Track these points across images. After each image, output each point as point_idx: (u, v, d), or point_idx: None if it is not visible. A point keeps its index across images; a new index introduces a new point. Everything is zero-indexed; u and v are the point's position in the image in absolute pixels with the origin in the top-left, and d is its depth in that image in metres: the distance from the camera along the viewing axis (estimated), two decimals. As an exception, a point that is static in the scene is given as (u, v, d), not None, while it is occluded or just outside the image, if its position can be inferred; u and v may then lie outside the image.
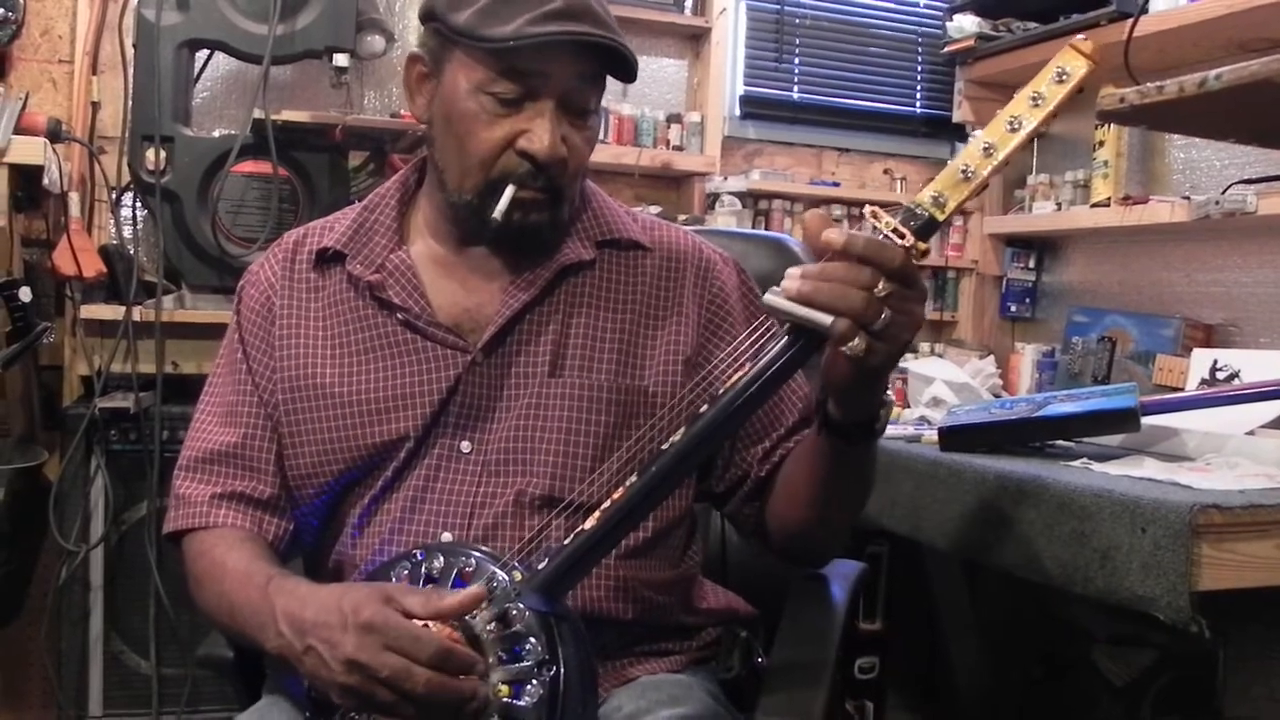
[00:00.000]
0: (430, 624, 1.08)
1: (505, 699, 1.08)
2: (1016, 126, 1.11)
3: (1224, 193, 2.58)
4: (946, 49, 3.43)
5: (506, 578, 1.12)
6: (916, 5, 3.72)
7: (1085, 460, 1.66)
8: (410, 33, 3.01)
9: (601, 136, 3.19)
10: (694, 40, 3.47)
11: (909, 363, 2.82)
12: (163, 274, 2.61)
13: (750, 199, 3.36)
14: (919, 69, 3.73)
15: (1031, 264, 3.50)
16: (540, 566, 1.13)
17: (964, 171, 1.10)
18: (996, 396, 2.71)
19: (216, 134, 2.79)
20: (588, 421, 1.32)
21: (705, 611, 1.42)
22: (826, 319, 1.05)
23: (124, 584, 2.50)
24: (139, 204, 2.78)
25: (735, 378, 1.12)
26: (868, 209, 1.12)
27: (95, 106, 2.80)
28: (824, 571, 1.52)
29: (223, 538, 1.31)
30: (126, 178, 2.70)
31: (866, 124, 3.69)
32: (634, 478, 1.14)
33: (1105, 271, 3.26)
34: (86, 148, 2.70)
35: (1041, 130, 1.12)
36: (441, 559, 1.16)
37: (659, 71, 3.47)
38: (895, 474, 1.87)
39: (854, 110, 3.68)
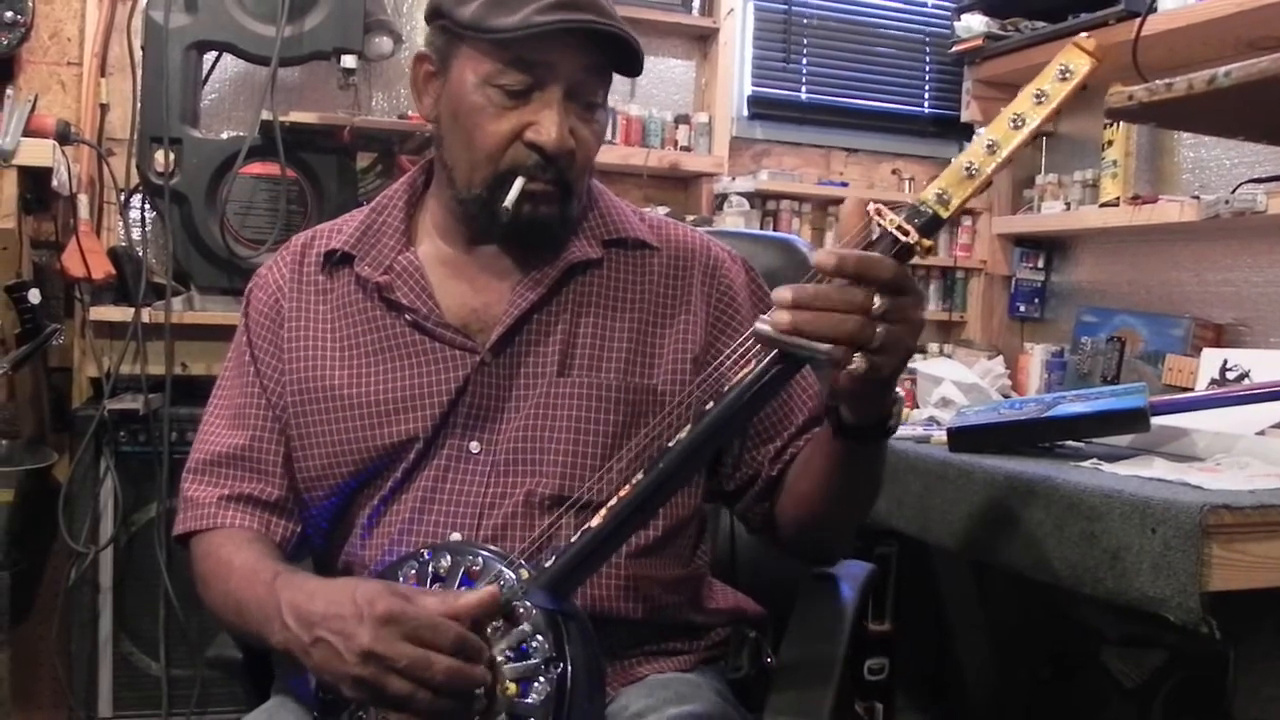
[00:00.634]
0: None
1: (512, 697, 1.08)
2: (1020, 124, 1.11)
3: (1234, 192, 2.58)
4: (954, 49, 3.43)
5: (514, 576, 1.12)
6: (924, 5, 3.72)
7: (1095, 460, 1.66)
8: (418, 34, 3.01)
9: (609, 137, 3.20)
10: (701, 41, 3.47)
11: (917, 363, 2.81)
12: (171, 275, 2.61)
13: (758, 199, 3.36)
14: (927, 69, 3.73)
15: (1040, 264, 3.49)
16: (547, 564, 1.13)
17: (968, 169, 1.10)
18: (1005, 397, 2.70)
19: (225, 136, 2.79)
20: (596, 420, 1.31)
21: (714, 611, 1.42)
22: (823, 348, 1.05)
23: (133, 585, 2.51)
24: (148, 206, 2.79)
25: (741, 375, 1.12)
26: (871, 206, 1.12)
27: (104, 108, 2.81)
28: (833, 572, 1.52)
29: (230, 537, 1.31)
30: (135, 179, 2.71)
31: (874, 124, 3.69)
32: (641, 475, 1.13)
33: (1114, 271, 3.25)
34: (95, 150, 2.71)
35: (1045, 128, 1.12)
36: (448, 558, 1.16)
37: (667, 72, 3.48)
38: (904, 474, 1.86)
39: (862, 110, 3.68)
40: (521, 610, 1.10)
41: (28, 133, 2.36)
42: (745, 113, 3.56)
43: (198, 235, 2.60)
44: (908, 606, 2.79)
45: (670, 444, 1.14)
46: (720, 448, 1.33)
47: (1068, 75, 1.12)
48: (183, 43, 2.59)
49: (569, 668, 1.09)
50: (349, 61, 2.65)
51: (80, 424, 2.49)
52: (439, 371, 1.31)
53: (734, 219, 3.22)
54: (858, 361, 1.05)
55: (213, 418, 1.40)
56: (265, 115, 2.58)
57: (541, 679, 1.08)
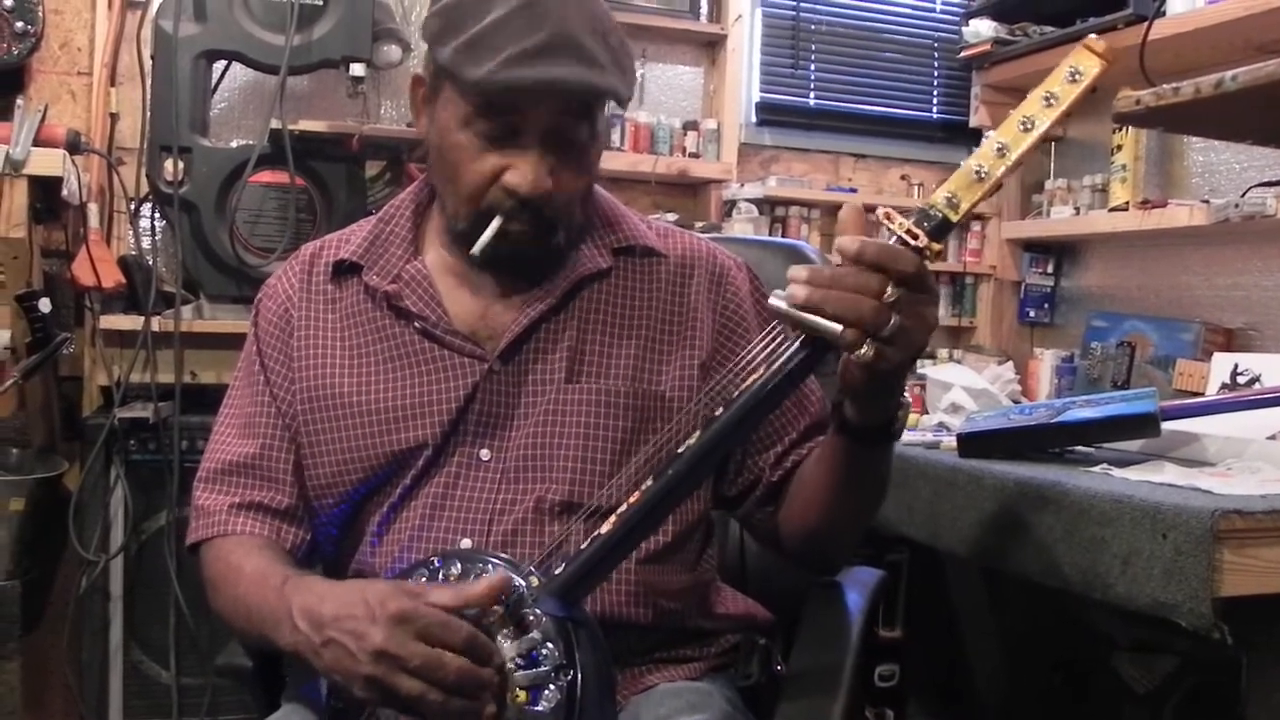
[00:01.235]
0: None
1: (522, 704, 1.08)
2: (1030, 126, 1.10)
3: (1243, 195, 2.57)
4: (963, 54, 3.42)
5: (524, 583, 1.12)
6: (933, 10, 3.72)
7: (1105, 466, 1.65)
8: (426, 42, 3.02)
9: (618, 144, 3.20)
10: (710, 47, 3.47)
11: (927, 369, 2.81)
12: (181, 284, 2.62)
13: (767, 205, 3.35)
14: (935, 74, 3.73)
15: (1050, 269, 3.49)
16: (557, 571, 1.13)
17: (978, 172, 1.10)
18: (1015, 402, 2.70)
19: (234, 144, 2.80)
20: (605, 427, 1.32)
21: (723, 617, 1.42)
22: (835, 328, 1.05)
23: (144, 593, 2.51)
24: (157, 214, 2.79)
25: (749, 381, 1.12)
26: (880, 210, 1.13)
27: (114, 118, 2.82)
28: (843, 579, 1.52)
29: (240, 543, 1.32)
30: (145, 188, 2.72)
31: (883, 130, 3.68)
32: (650, 481, 1.13)
33: (1124, 276, 3.25)
34: (105, 159, 2.72)
35: (1055, 131, 1.11)
36: (458, 565, 1.16)
37: (675, 79, 3.48)
38: (914, 480, 1.86)
39: (870, 116, 3.67)
40: (531, 618, 1.10)
41: (38, 142, 2.37)
42: (754, 119, 3.56)
43: (207, 244, 2.61)
44: (918, 613, 2.78)
45: (679, 450, 1.14)
46: (726, 455, 1.32)
47: (1078, 77, 1.11)
48: (192, 52, 2.59)
49: (579, 675, 1.09)
50: (358, 70, 2.66)
51: (90, 432, 2.50)
52: (448, 379, 1.32)
53: (742, 225, 3.22)
54: (867, 348, 1.05)
55: (223, 427, 1.40)
56: (274, 124, 2.58)
57: (552, 686, 1.08)
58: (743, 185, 3.35)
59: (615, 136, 3.22)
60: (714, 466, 1.29)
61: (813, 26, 3.59)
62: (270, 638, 1.18)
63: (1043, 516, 1.56)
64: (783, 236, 3.31)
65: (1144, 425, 1.69)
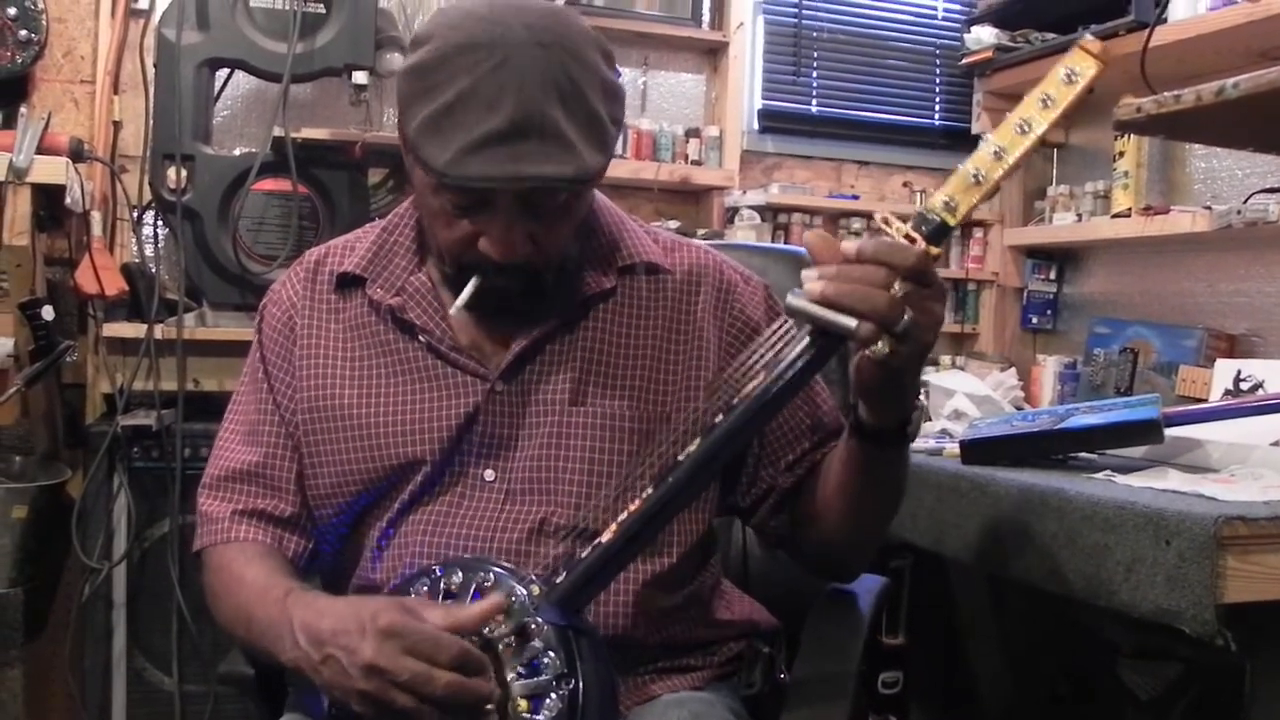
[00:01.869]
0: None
1: (524, 713, 1.08)
2: (1027, 129, 1.10)
3: (1246, 202, 2.57)
4: (965, 60, 3.43)
5: (525, 592, 1.12)
6: (934, 17, 3.72)
7: (1108, 472, 1.65)
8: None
9: (620, 151, 3.20)
10: (712, 54, 3.48)
11: (930, 375, 2.80)
12: (184, 292, 2.62)
13: (769, 213, 3.36)
14: (937, 81, 3.73)
15: (1052, 275, 3.49)
16: (558, 580, 1.13)
17: (975, 175, 1.10)
18: (1018, 409, 2.69)
19: (237, 152, 2.80)
20: (610, 450, 1.31)
21: (726, 624, 1.41)
22: (850, 322, 1.05)
23: (146, 601, 2.51)
24: (160, 222, 2.80)
25: (750, 387, 1.12)
26: (878, 215, 1.13)
27: (117, 126, 2.82)
28: (847, 585, 1.51)
29: (242, 551, 1.32)
30: (148, 196, 2.72)
31: (885, 136, 3.69)
32: (650, 489, 1.13)
33: (1127, 282, 3.25)
34: (108, 167, 2.72)
35: (1053, 134, 1.11)
36: (460, 574, 1.16)
37: (677, 86, 3.48)
38: (917, 487, 1.86)
39: (872, 123, 3.68)
40: (533, 626, 1.10)
41: (41, 150, 2.37)
42: (756, 126, 3.56)
43: (210, 251, 2.61)
44: (922, 620, 2.77)
45: (680, 457, 1.13)
46: (729, 462, 1.31)
47: (1074, 79, 1.11)
48: (195, 60, 2.60)
49: (581, 684, 1.09)
50: (360, 78, 2.66)
51: (93, 440, 2.50)
52: (450, 396, 1.31)
53: (745, 233, 3.22)
54: (882, 343, 1.06)
55: (227, 434, 1.40)
56: (277, 131, 2.59)
57: (553, 695, 1.08)
58: (745, 192, 3.35)
59: (618, 144, 3.21)
60: (715, 474, 1.28)
61: (814, 33, 3.60)
62: (272, 652, 1.18)
63: (1046, 523, 1.55)
64: (785, 244, 3.31)
65: (1147, 432, 1.69)
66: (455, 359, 1.31)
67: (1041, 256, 3.48)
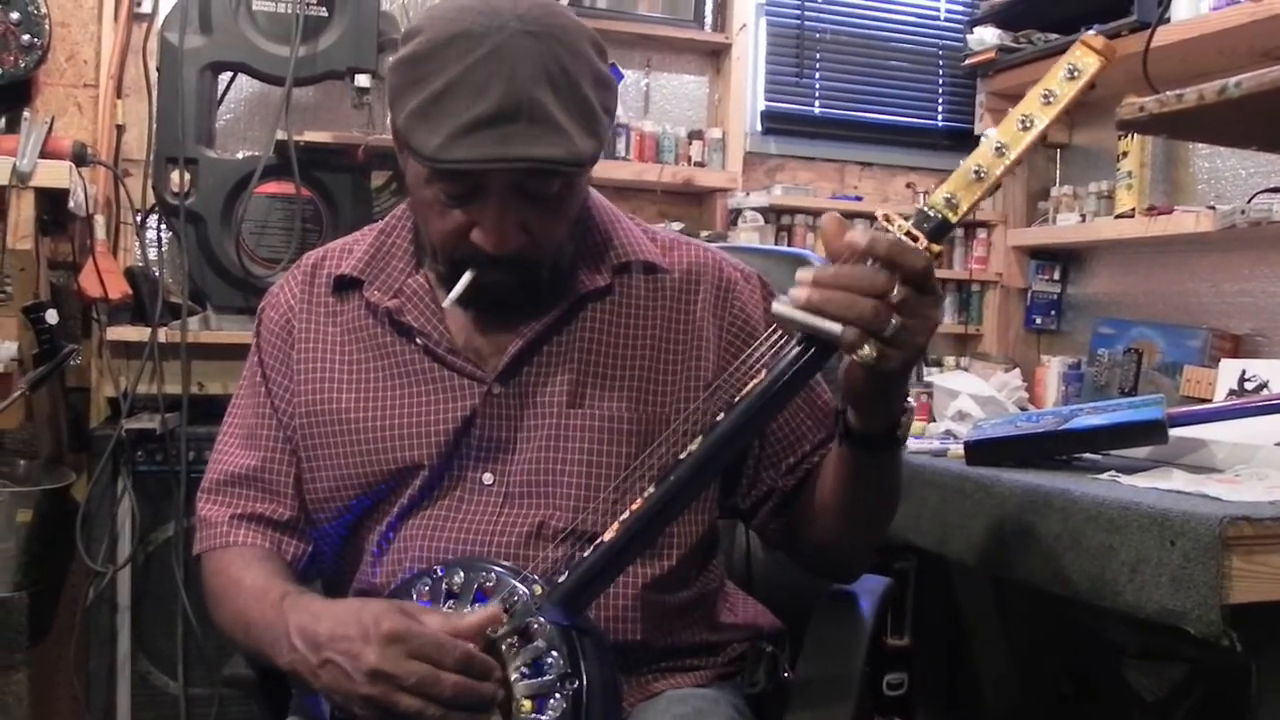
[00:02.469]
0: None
1: (528, 714, 1.08)
2: (1028, 125, 1.10)
3: (1249, 202, 2.57)
4: (968, 61, 3.43)
5: (527, 592, 1.12)
6: (937, 18, 3.72)
7: (1113, 473, 1.65)
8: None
9: (623, 153, 3.21)
10: (714, 56, 3.48)
11: (934, 377, 2.80)
12: (188, 295, 2.62)
13: (772, 214, 3.36)
14: (940, 82, 3.73)
15: (1056, 276, 3.48)
16: (560, 580, 1.13)
17: (976, 172, 1.09)
18: (1022, 410, 2.69)
19: (240, 155, 2.80)
20: (609, 453, 1.30)
21: (729, 626, 1.41)
22: (836, 328, 1.04)
23: (151, 604, 2.51)
24: (164, 226, 2.80)
25: (751, 386, 1.11)
26: (879, 212, 1.12)
27: (120, 130, 2.83)
28: (850, 587, 1.51)
29: (240, 555, 1.32)
30: (151, 200, 2.73)
31: (888, 138, 3.69)
32: (652, 488, 1.13)
33: (1131, 283, 3.24)
34: (111, 171, 2.73)
35: (1056, 132, 1.11)
36: (461, 574, 1.16)
37: (680, 88, 3.48)
38: (921, 488, 1.85)
39: (875, 124, 3.68)
40: (536, 626, 1.10)
41: (44, 154, 2.38)
42: (759, 128, 3.56)
43: (213, 255, 2.61)
44: (926, 621, 2.77)
45: (681, 456, 1.13)
46: (731, 461, 1.30)
47: (1076, 74, 1.10)
48: (198, 64, 2.60)
49: (584, 683, 1.09)
50: (363, 81, 2.67)
51: (98, 444, 2.50)
52: (447, 400, 1.30)
53: (748, 234, 3.22)
54: (868, 349, 1.04)
55: (227, 438, 1.40)
56: (280, 135, 2.59)
57: (557, 695, 1.08)
58: (748, 194, 3.35)
59: (620, 145, 3.22)
60: (716, 473, 1.27)
61: (817, 35, 3.60)
62: (270, 656, 1.18)
63: (1050, 524, 1.55)
64: (788, 245, 3.31)
65: (1152, 432, 1.69)
66: (452, 361, 1.31)
67: (1045, 257, 3.48)
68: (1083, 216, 3.23)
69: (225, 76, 2.78)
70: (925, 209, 1.09)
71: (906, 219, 1.09)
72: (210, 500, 1.37)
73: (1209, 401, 2.51)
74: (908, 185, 3.67)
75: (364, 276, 1.36)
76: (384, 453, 1.30)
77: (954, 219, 1.09)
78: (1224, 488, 1.48)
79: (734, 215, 3.32)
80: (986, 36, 3.31)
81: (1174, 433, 1.70)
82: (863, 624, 1.45)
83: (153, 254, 2.84)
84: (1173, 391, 2.77)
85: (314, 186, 2.70)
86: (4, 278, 2.34)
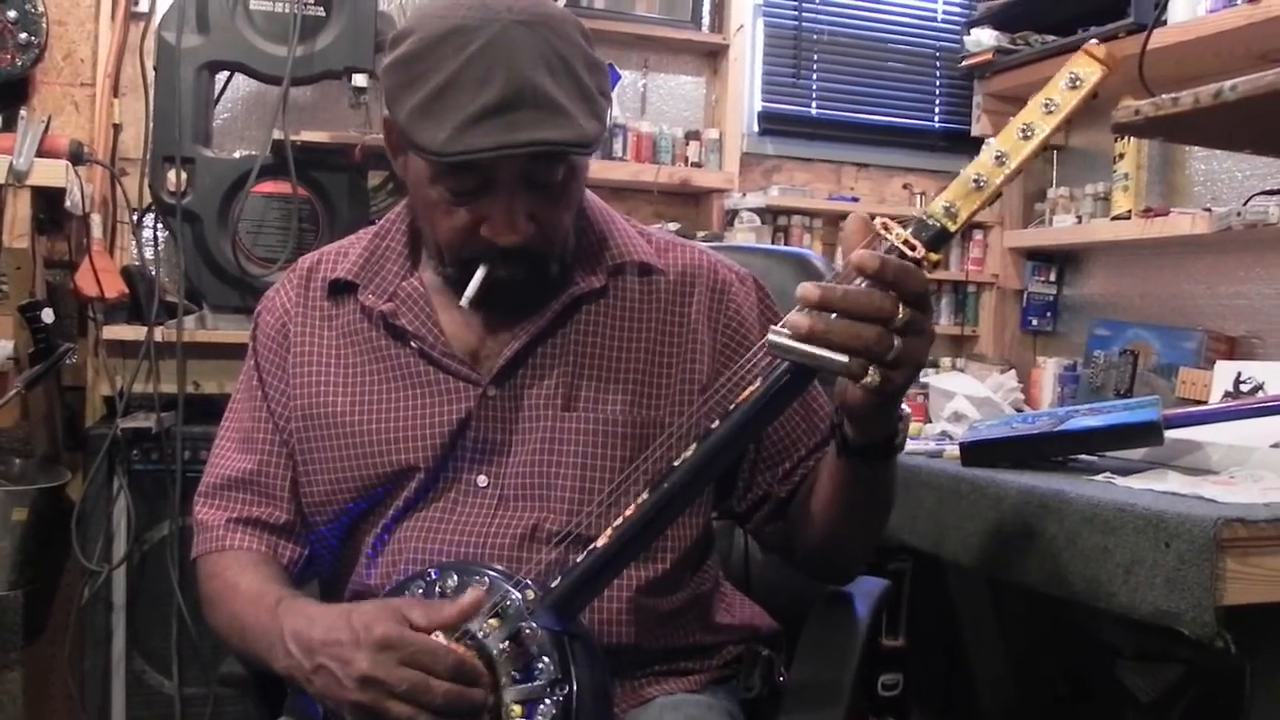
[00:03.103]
0: (442, 639, 1.08)
1: (519, 719, 1.08)
2: (1029, 134, 1.09)
3: (1245, 204, 2.57)
4: (965, 63, 3.43)
5: (519, 596, 1.12)
6: (934, 19, 3.73)
7: (1108, 474, 1.65)
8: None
9: (620, 154, 3.21)
10: (712, 57, 3.48)
11: (930, 378, 2.81)
12: (184, 294, 2.62)
13: (769, 215, 3.36)
14: (937, 83, 3.73)
15: (1052, 277, 3.49)
16: (553, 585, 1.13)
17: (976, 181, 1.08)
18: (1018, 411, 2.70)
19: (237, 155, 2.80)
20: (603, 456, 1.30)
21: (724, 628, 1.41)
22: (840, 361, 1.02)
23: (146, 603, 2.51)
24: (160, 225, 2.80)
25: (746, 394, 1.11)
26: (878, 220, 1.10)
27: (117, 129, 2.83)
28: (846, 588, 1.51)
29: (236, 559, 1.32)
30: (148, 199, 2.72)
31: (885, 139, 3.69)
32: (646, 494, 1.13)
33: (1127, 284, 3.25)
34: (108, 170, 2.72)
35: (1056, 140, 1.11)
36: (455, 577, 1.16)
37: (677, 88, 3.49)
38: (917, 489, 1.85)
39: (872, 125, 3.68)
40: (527, 631, 1.10)
41: (41, 153, 2.38)
42: (756, 128, 3.56)
43: (210, 254, 2.61)
44: (922, 622, 2.77)
45: (675, 463, 1.13)
46: (727, 468, 1.30)
47: (1078, 83, 1.10)
48: (195, 63, 2.60)
49: (575, 689, 1.08)
50: (360, 80, 2.66)
51: (93, 443, 2.50)
52: (442, 402, 1.30)
53: (745, 235, 3.22)
54: (871, 375, 1.03)
55: (223, 441, 1.40)
56: (277, 134, 2.59)
57: (547, 701, 1.08)
58: (745, 195, 3.35)
59: (617, 146, 3.22)
60: (711, 480, 1.26)
61: (814, 36, 3.60)
62: (264, 659, 1.19)
63: (1046, 525, 1.55)
64: (785, 246, 3.31)
65: (1147, 434, 1.69)
66: (447, 364, 1.31)
67: (1041, 258, 3.49)
68: (1079, 218, 3.24)
69: (222, 76, 2.78)
70: (924, 217, 1.08)
71: (905, 226, 1.08)
72: (207, 504, 1.37)
73: (1204, 403, 2.51)
74: (904, 186, 3.67)
75: (359, 280, 1.36)
76: (379, 455, 1.30)
77: (953, 228, 1.08)
78: (1219, 489, 1.48)
79: (730, 216, 3.33)
80: (983, 38, 3.32)
81: (1169, 434, 1.70)
82: (858, 626, 1.45)
83: (149, 253, 2.83)
84: (1168, 393, 2.77)
85: (311, 186, 2.70)
86: (0, 276, 2.34)
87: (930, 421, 2.57)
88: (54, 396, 2.59)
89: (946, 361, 3.48)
